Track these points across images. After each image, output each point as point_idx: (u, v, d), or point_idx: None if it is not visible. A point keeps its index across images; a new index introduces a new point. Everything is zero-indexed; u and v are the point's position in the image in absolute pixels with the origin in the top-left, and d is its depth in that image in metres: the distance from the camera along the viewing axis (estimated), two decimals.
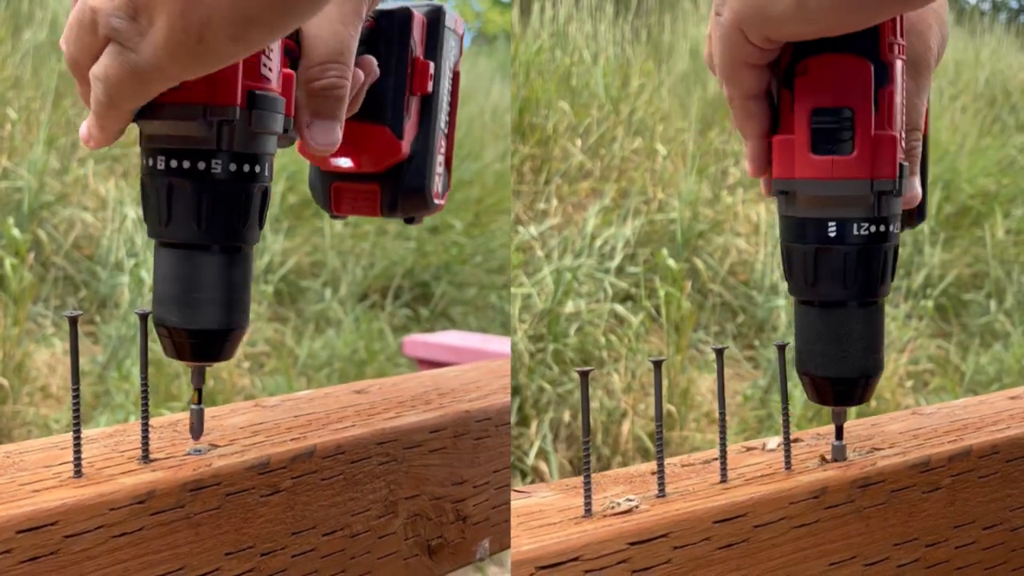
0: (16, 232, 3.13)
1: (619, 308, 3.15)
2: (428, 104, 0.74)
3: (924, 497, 0.71)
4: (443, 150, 0.76)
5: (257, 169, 0.61)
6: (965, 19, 5.77)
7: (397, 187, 0.74)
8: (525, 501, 0.63)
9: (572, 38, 4.12)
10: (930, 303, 3.68)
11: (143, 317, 0.62)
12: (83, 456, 0.60)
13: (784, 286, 3.56)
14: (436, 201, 0.75)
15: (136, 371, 2.99)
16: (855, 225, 0.65)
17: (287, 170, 4.15)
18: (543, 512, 0.61)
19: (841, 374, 0.68)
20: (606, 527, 0.58)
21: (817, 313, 0.67)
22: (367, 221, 4.28)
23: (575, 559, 0.56)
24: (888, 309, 3.68)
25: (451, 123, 0.77)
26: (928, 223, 4.00)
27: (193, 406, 0.65)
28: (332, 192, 0.75)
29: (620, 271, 3.29)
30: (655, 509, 0.61)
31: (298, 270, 3.94)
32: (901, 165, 0.65)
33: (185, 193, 0.59)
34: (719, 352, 0.68)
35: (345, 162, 0.73)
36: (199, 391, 0.65)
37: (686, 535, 0.60)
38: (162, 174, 0.59)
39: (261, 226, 0.63)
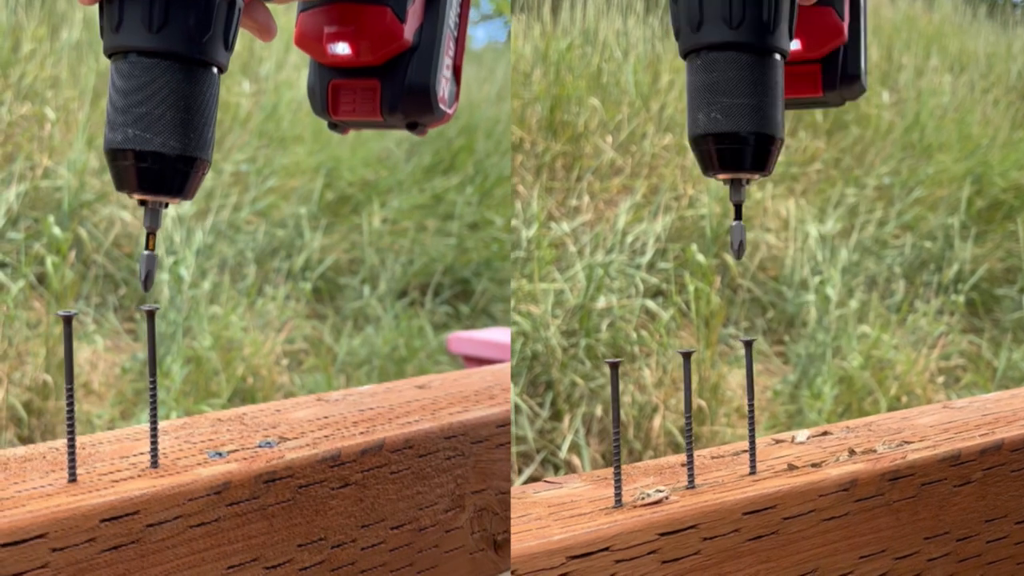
0: (57, 231, 3.13)
1: (650, 303, 3.14)
2: None
3: (955, 491, 0.70)
4: (451, 53, 0.70)
5: None
6: (997, 12, 5.71)
7: (399, 83, 0.68)
8: (556, 491, 0.63)
9: (602, 35, 4.11)
10: (961, 298, 3.65)
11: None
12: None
13: (814, 282, 3.54)
14: (442, 108, 0.69)
15: (176, 368, 3.00)
16: None
17: (324, 167, 4.15)
18: (574, 502, 0.61)
19: (728, 129, 0.61)
20: (636, 517, 0.58)
21: (704, 63, 0.62)
22: (406, 217, 4.26)
23: (606, 549, 0.56)
24: (918, 304, 3.66)
25: (462, 26, 0.71)
26: (959, 217, 3.95)
27: (145, 252, 0.57)
28: (330, 91, 0.69)
29: (651, 267, 3.27)
30: (685, 500, 0.61)
31: (336, 267, 3.91)
32: None
33: None
34: (748, 344, 0.66)
35: (343, 47, 0.67)
36: (152, 235, 0.57)
37: (715, 526, 0.60)
38: None
39: (227, 47, 0.57)
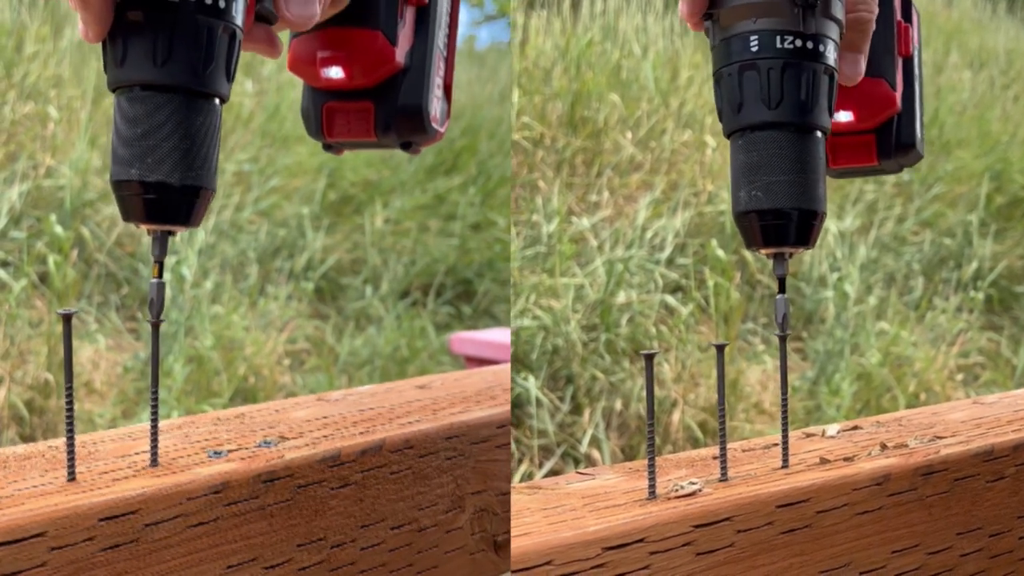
0: (59, 229, 3.14)
1: (669, 299, 3.15)
2: (424, 16, 0.70)
3: (988, 486, 0.71)
4: (442, 72, 0.72)
5: (223, 4, 0.55)
6: (1017, 8, 5.70)
7: (392, 104, 0.70)
8: (589, 483, 0.63)
9: (622, 31, 4.09)
10: (980, 295, 3.63)
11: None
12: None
13: (833, 279, 3.51)
14: (435, 127, 0.71)
15: (178, 367, 2.99)
16: (778, 37, 0.62)
17: (326, 167, 4.14)
18: (608, 494, 0.61)
19: (769, 206, 0.63)
20: (671, 509, 0.58)
21: (745, 142, 0.63)
22: (408, 217, 4.25)
23: (641, 540, 0.56)
24: (937, 301, 3.63)
25: (450, 46, 0.73)
26: (978, 214, 3.95)
27: (154, 280, 0.59)
28: (324, 114, 0.71)
29: (670, 262, 3.29)
30: (718, 493, 0.61)
31: (339, 267, 3.93)
32: None
33: (140, 26, 0.54)
34: (783, 339, 0.67)
35: (336, 72, 0.69)
36: (160, 264, 0.59)
37: (749, 519, 0.60)
38: (119, 5, 0.55)
39: (229, 79, 0.57)
